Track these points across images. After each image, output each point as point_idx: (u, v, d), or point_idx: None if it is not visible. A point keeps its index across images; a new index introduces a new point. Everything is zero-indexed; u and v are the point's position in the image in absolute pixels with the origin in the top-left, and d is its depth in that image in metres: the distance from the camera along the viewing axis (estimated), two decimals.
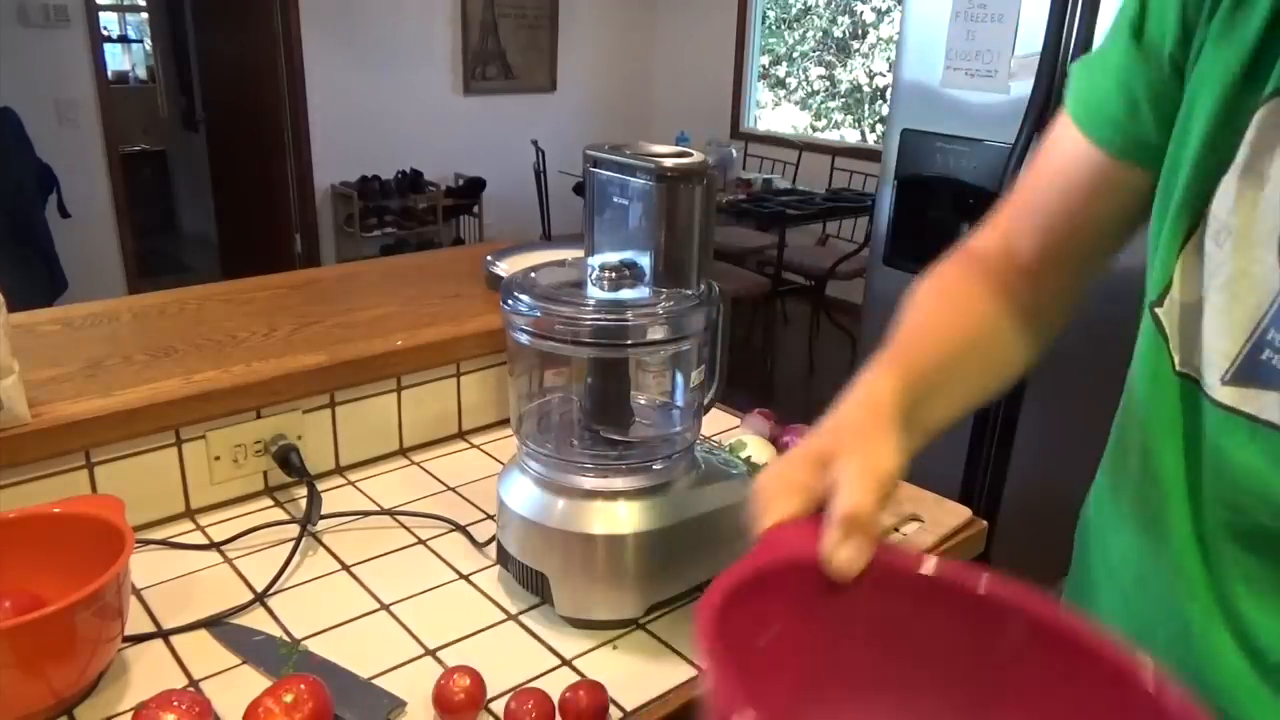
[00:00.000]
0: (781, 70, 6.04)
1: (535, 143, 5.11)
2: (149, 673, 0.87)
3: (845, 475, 0.55)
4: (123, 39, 7.41)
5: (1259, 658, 0.60)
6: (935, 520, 1.14)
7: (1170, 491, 0.64)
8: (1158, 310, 0.65)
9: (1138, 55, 0.66)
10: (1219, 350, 0.59)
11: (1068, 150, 0.72)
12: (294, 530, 1.10)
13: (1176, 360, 0.63)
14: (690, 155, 0.92)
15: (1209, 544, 0.62)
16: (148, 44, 7.31)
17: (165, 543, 1.08)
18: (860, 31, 5.61)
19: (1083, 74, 0.72)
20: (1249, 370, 0.57)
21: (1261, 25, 0.57)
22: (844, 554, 0.52)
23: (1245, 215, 0.57)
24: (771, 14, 5.97)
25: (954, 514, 1.16)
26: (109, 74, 4.75)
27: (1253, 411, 0.58)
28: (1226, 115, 0.59)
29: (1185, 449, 0.63)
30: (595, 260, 0.99)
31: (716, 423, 1.42)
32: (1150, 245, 0.66)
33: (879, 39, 5.51)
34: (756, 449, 1.26)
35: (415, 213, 5.40)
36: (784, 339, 5.11)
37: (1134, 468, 0.70)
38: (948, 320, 0.75)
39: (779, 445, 1.28)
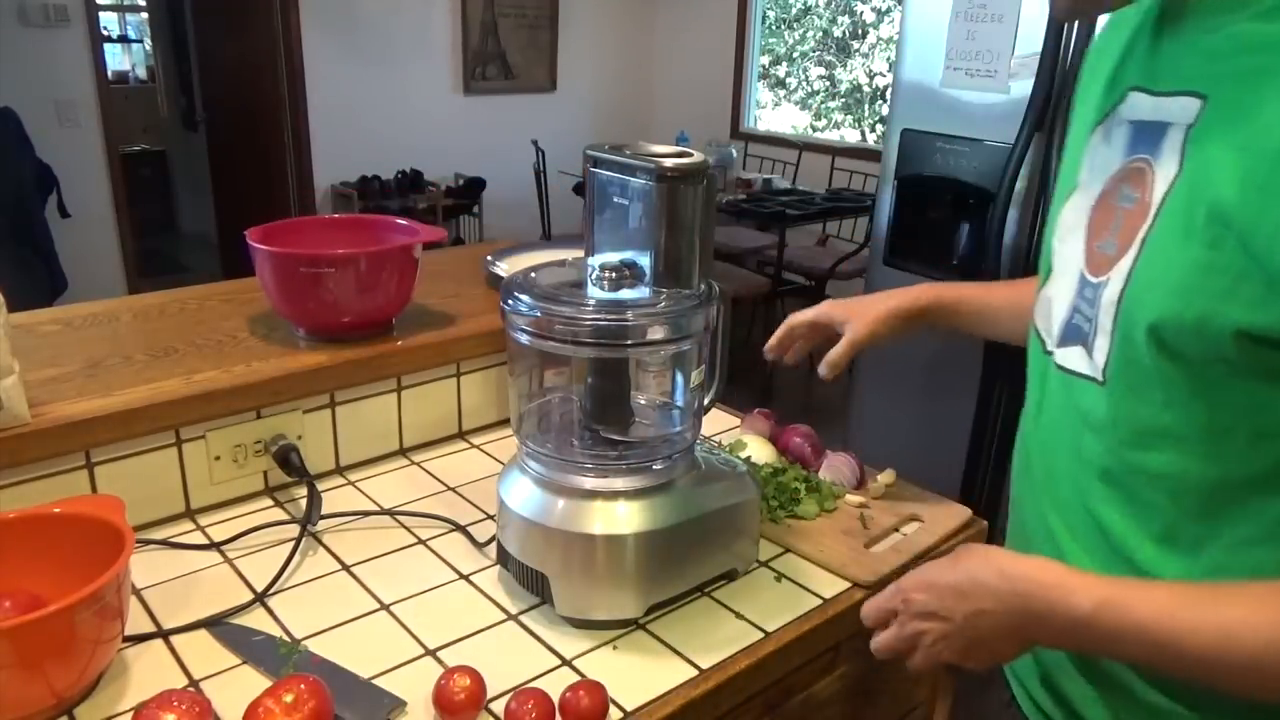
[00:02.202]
0: (781, 70, 6.03)
1: (535, 143, 5.10)
2: (149, 673, 0.87)
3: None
4: (123, 39, 7.40)
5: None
6: (935, 520, 1.14)
7: (1034, 456, 0.80)
8: (1034, 306, 0.83)
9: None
10: (1057, 322, 0.76)
11: None
12: (294, 530, 1.10)
13: (1048, 342, 0.79)
14: (690, 155, 0.92)
15: (1052, 495, 0.78)
16: (148, 44, 7.29)
17: (165, 543, 1.08)
18: (860, 31, 5.61)
19: None
20: (1068, 332, 0.74)
21: (1104, 76, 0.77)
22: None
23: (1076, 215, 0.76)
24: (771, 14, 5.97)
25: (954, 514, 1.16)
26: (109, 74, 4.74)
27: (1068, 365, 0.74)
28: (1076, 148, 0.79)
29: (1042, 416, 0.80)
30: (595, 260, 0.99)
31: (716, 423, 1.42)
32: None
33: (879, 39, 5.51)
34: (756, 449, 1.26)
35: (415, 213, 5.39)
36: None
37: (1018, 439, 0.86)
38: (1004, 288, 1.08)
39: (779, 445, 1.28)
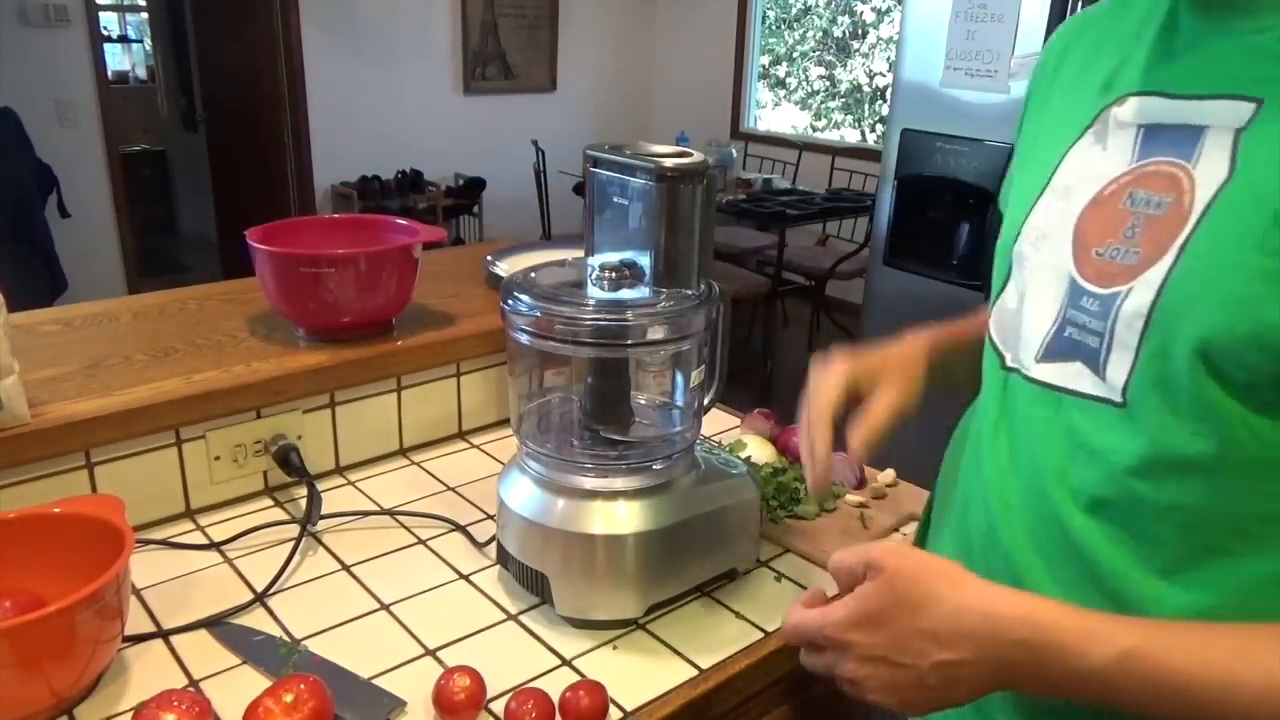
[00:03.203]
0: (781, 70, 6.03)
1: (535, 143, 5.11)
2: (149, 673, 0.87)
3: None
4: (123, 39, 7.41)
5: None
6: None
7: (989, 474, 0.73)
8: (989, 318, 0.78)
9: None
10: (1035, 334, 0.70)
11: None
12: (294, 530, 1.10)
13: (1007, 358, 0.74)
14: (690, 155, 0.92)
15: (1016, 518, 0.70)
16: (148, 44, 7.30)
17: (165, 543, 1.08)
18: (860, 31, 5.61)
19: None
20: (1059, 346, 0.68)
21: (1090, 79, 0.73)
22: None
23: (1052, 219, 0.71)
24: (771, 14, 5.97)
25: None
26: (109, 74, 4.75)
27: (1059, 382, 0.68)
28: (1043, 150, 0.75)
29: (1004, 432, 0.73)
30: (595, 260, 0.99)
31: (716, 423, 1.42)
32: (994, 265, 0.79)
33: (879, 39, 5.51)
34: (756, 449, 1.26)
35: (415, 213, 5.39)
36: (784, 339, 5.11)
37: (967, 455, 0.80)
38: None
39: (779, 445, 1.28)
